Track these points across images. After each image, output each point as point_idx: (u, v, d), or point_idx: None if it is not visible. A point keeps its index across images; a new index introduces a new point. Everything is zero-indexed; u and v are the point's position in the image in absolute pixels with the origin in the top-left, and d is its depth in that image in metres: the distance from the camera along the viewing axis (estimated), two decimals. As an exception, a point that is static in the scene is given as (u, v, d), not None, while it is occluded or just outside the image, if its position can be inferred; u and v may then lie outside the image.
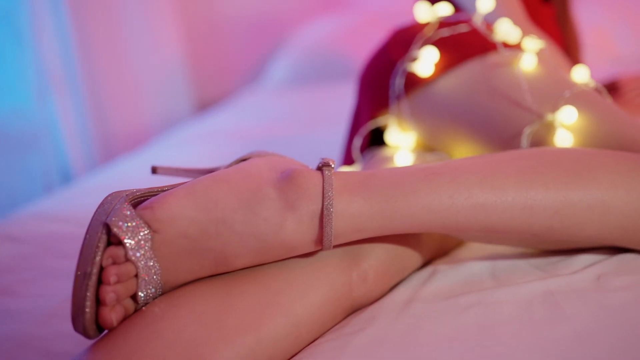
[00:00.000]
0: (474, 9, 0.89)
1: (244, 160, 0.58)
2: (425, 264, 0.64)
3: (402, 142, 0.80)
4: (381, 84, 0.83)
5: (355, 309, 0.57)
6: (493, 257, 0.63)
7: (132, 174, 1.30)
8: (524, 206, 0.54)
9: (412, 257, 0.61)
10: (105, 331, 0.49)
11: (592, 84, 0.74)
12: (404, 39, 0.83)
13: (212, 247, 0.50)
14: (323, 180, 0.52)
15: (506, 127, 0.69)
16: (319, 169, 0.54)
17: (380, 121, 0.83)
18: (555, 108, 0.66)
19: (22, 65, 1.40)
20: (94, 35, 1.60)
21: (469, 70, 0.75)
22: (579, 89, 0.69)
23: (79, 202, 1.11)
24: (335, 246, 0.55)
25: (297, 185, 0.51)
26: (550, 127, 0.66)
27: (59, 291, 0.70)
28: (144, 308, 0.49)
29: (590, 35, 1.39)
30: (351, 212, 0.52)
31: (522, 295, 0.54)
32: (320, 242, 0.52)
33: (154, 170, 0.62)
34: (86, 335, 0.47)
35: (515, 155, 0.58)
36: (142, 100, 1.79)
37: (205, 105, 2.07)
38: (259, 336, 0.48)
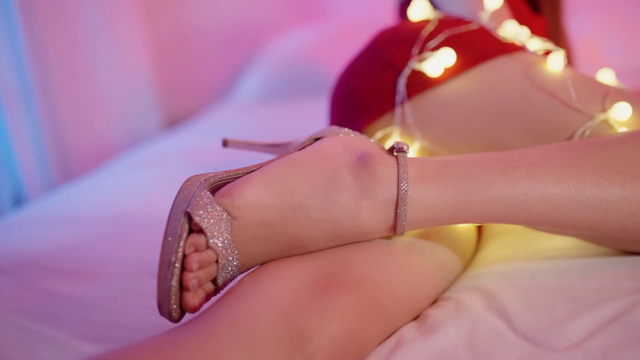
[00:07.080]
0: (455, 9, 0.81)
1: (317, 139, 0.57)
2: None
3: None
4: (374, 89, 0.72)
5: None
6: (471, 320, 0.51)
7: (91, 194, 1.21)
8: (599, 207, 0.52)
9: (374, 332, 0.49)
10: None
11: (621, 86, 0.68)
12: (400, 38, 0.73)
13: (288, 231, 0.51)
14: (398, 167, 0.52)
15: (558, 128, 0.64)
16: (392, 152, 0.54)
17: (377, 132, 0.72)
18: (604, 107, 0.63)
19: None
20: (50, 44, 1.48)
21: (501, 69, 0.69)
22: (618, 86, 0.66)
23: (22, 231, 0.98)
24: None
25: (373, 172, 0.51)
26: (601, 127, 0.62)
27: None
28: None
29: (581, 47, 1.33)
30: (425, 202, 0.52)
31: (507, 382, 0.42)
32: (393, 229, 0.53)
33: (225, 143, 0.63)
34: (171, 319, 0.48)
35: (591, 148, 0.55)
36: (104, 116, 1.67)
37: (173, 121, 1.95)
38: None
